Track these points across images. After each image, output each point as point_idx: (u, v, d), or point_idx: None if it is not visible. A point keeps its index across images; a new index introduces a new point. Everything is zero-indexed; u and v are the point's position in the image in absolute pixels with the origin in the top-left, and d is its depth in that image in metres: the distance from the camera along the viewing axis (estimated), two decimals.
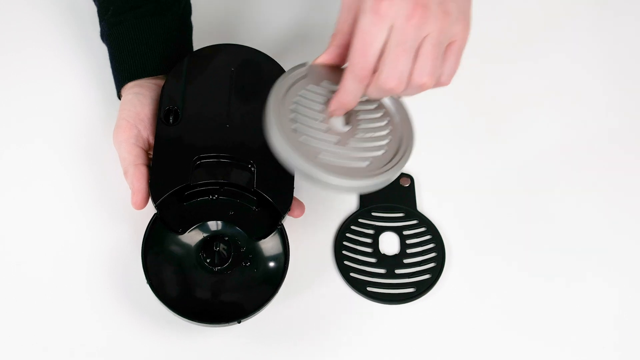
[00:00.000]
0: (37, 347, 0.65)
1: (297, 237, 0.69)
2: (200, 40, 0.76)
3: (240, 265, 0.67)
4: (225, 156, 0.67)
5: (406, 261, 0.71)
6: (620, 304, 0.70)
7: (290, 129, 0.57)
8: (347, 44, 0.57)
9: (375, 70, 0.55)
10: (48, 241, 0.70)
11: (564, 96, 0.82)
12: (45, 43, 0.82)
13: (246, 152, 0.67)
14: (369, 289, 0.70)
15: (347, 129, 0.60)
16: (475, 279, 0.71)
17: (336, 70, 0.60)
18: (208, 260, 0.66)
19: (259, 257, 0.67)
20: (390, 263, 0.71)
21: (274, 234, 0.67)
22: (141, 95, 0.71)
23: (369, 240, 0.72)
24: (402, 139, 0.60)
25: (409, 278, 0.70)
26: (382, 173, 0.58)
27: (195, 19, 0.78)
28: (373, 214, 0.73)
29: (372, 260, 0.71)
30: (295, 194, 0.67)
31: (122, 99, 0.72)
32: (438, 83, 0.57)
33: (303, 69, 0.60)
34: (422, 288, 0.70)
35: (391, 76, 0.54)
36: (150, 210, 0.67)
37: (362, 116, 0.61)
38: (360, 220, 0.73)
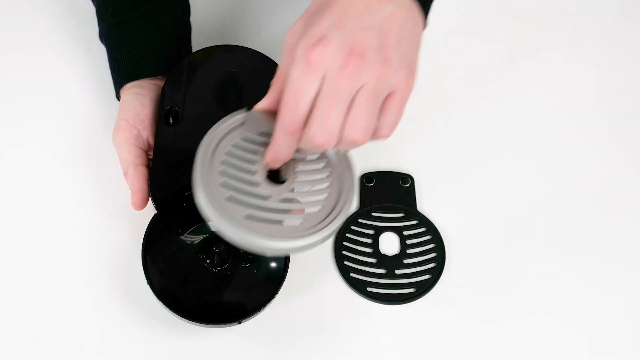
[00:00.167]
0: (37, 346, 0.65)
1: None
2: (200, 41, 0.76)
3: (240, 265, 0.67)
4: None
5: (406, 261, 0.71)
6: (620, 304, 0.70)
7: (218, 184, 0.52)
8: None
9: (306, 124, 0.50)
10: (48, 241, 0.70)
11: (564, 96, 0.82)
12: (45, 43, 0.82)
13: None
14: (369, 289, 0.70)
15: (283, 181, 0.55)
16: (475, 279, 0.71)
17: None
18: (208, 261, 0.66)
19: (258, 258, 0.67)
20: (390, 263, 0.71)
21: None
22: (141, 96, 0.71)
23: (369, 241, 0.72)
24: (341, 193, 0.55)
25: (409, 278, 0.70)
26: (315, 232, 0.52)
27: (195, 19, 0.78)
28: (373, 214, 0.73)
29: (372, 260, 0.71)
30: None
31: (121, 99, 0.72)
32: (376, 136, 0.52)
33: (240, 115, 0.55)
34: (422, 288, 0.70)
35: (320, 132, 0.50)
36: (150, 210, 0.67)
37: (301, 167, 0.56)
38: (360, 220, 0.73)
